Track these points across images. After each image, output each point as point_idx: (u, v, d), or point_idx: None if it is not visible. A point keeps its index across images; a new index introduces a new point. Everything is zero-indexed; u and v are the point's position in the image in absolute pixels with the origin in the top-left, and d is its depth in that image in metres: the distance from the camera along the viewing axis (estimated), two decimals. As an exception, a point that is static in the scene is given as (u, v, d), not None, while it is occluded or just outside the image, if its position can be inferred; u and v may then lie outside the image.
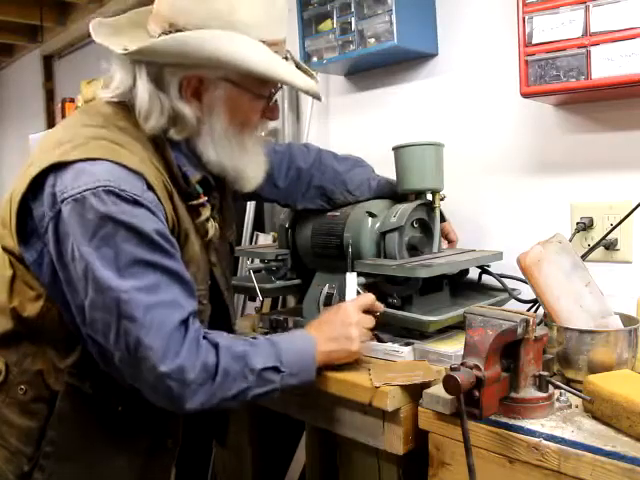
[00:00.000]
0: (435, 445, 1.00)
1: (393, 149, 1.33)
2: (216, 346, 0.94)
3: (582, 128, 1.38)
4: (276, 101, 1.07)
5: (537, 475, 0.87)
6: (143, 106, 0.96)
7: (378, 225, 1.28)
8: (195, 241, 1.02)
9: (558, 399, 0.95)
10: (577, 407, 0.95)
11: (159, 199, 0.93)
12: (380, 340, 1.21)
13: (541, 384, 0.93)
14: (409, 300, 1.23)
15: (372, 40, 1.58)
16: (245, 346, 0.97)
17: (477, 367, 0.88)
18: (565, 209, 1.41)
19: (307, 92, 1.03)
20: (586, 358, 1.01)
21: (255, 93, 1.01)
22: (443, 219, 1.36)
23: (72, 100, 1.90)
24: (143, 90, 0.96)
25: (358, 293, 1.17)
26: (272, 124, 1.17)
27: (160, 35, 0.95)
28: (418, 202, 1.29)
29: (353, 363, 1.11)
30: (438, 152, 1.32)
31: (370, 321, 1.09)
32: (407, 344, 1.17)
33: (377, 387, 1.02)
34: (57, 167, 0.90)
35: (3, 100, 4.44)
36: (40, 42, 3.66)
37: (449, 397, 0.90)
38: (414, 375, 1.04)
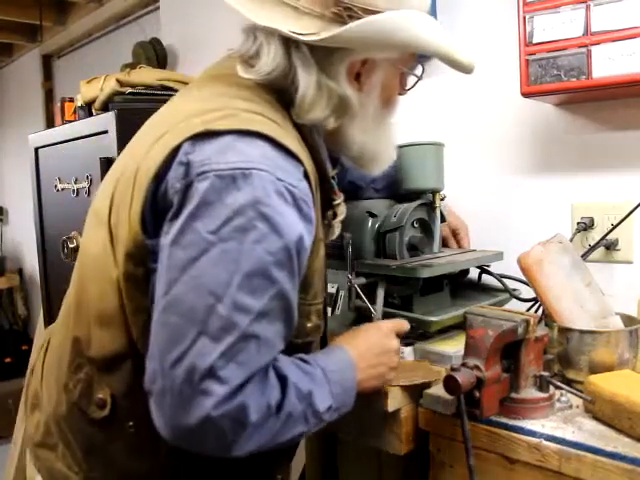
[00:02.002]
0: (435, 446, 1.00)
1: (393, 149, 1.33)
2: (284, 381, 0.75)
3: (583, 128, 1.38)
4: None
5: (538, 476, 0.87)
6: (308, 96, 0.82)
7: (378, 225, 1.28)
8: (323, 246, 0.88)
9: (559, 399, 0.95)
10: (578, 408, 0.95)
11: (312, 192, 0.79)
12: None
13: (542, 384, 0.93)
14: (409, 300, 1.22)
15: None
16: (310, 382, 0.79)
17: (477, 367, 0.88)
18: (566, 209, 1.41)
19: (469, 72, 0.90)
20: (587, 358, 1.00)
21: (404, 70, 0.92)
22: (443, 219, 1.36)
23: (71, 100, 1.90)
24: (308, 77, 0.82)
25: None
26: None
27: (332, 16, 0.81)
28: (418, 202, 1.28)
29: None
30: (438, 152, 1.31)
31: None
32: (408, 344, 1.17)
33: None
34: (196, 136, 0.75)
35: (2, 100, 4.43)
36: (39, 42, 3.66)
37: (449, 397, 0.90)
38: (414, 375, 1.04)
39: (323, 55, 0.83)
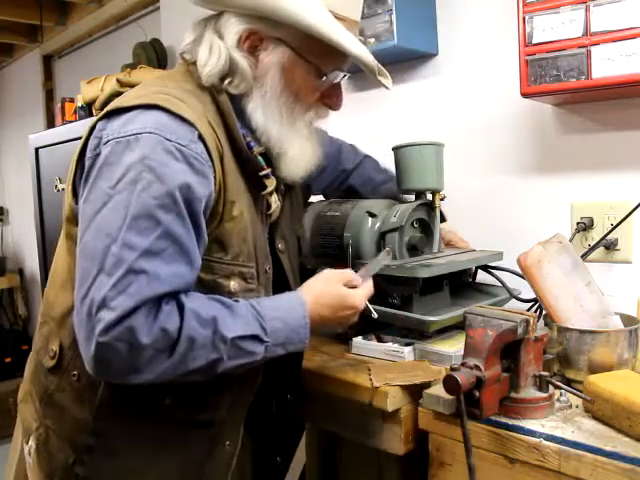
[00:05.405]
0: (435, 445, 1.00)
1: (393, 149, 1.33)
2: (181, 308, 0.82)
3: (582, 128, 1.38)
4: (339, 87, 1.03)
5: (537, 475, 0.87)
6: (204, 53, 0.96)
7: (378, 225, 1.28)
8: (248, 215, 0.96)
9: (558, 399, 0.95)
10: (577, 407, 0.95)
11: (209, 154, 0.88)
12: (381, 340, 1.21)
13: (541, 384, 0.93)
14: (409, 300, 1.22)
15: (372, 40, 1.58)
16: (218, 310, 0.85)
17: (477, 367, 0.88)
18: (565, 209, 1.41)
19: (372, 70, 0.98)
20: (586, 358, 1.01)
21: (314, 65, 0.97)
22: (443, 219, 1.36)
23: (72, 100, 1.90)
24: (206, 39, 0.97)
25: None
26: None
27: None
28: (418, 202, 1.29)
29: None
30: (438, 152, 1.32)
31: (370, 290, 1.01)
32: (407, 344, 1.17)
33: (377, 387, 1.01)
34: (110, 114, 0.88)
35: (3, 100, 4.43)
36: (40, 42, 3.66)
37: (449, 397, 0.90)
38: (414, 375, 1.04)
39: (217, 21, 0.98)
